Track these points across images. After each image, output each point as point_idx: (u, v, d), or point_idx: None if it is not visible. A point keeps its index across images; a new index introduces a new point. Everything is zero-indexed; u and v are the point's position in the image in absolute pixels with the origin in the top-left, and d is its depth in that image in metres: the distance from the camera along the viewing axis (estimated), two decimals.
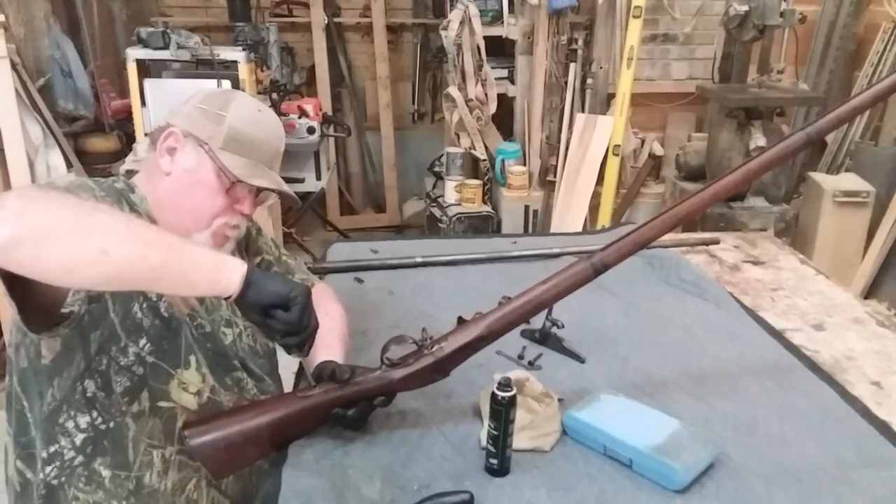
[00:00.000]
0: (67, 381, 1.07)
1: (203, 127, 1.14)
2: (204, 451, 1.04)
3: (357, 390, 1.10)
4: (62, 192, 0.95)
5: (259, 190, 1.19)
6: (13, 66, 2.99)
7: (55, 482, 1.11)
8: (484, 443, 1.10)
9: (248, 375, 1.25)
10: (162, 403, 1.14)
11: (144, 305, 1.10)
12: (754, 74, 3.42)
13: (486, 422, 1.09)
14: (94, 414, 1.09)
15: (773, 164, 1.18)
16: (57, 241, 0.82)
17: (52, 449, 1.10)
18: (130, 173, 1.23)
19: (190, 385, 1.16)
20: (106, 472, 1.11)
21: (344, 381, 1.09)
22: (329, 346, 1.21)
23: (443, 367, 1.12)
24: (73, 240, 0.83)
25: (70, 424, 1.09)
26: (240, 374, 1.24)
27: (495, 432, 1.06)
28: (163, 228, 1.08)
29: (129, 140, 3.55)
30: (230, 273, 0.94)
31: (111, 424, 1.10)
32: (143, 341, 1.10)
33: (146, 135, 3.28)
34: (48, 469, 1.10)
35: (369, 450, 1.12)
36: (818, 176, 3.57)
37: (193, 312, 1.18)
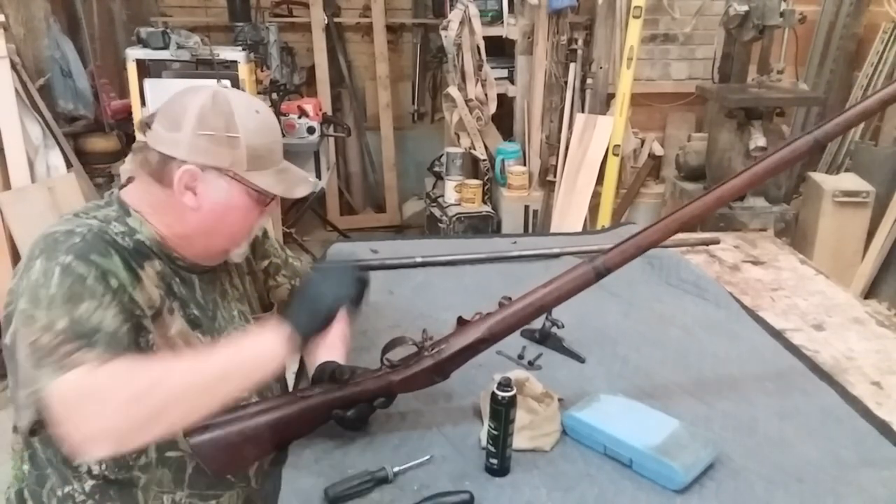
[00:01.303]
0: None
1: (219, 155, 1.09)
2: (204, 450, 1.04)
3: (357, 391, 1.10)
4: (99, 369, 0.96)
5: None
6: (13, 65, 3.00)
7: None
8: (484, 443, 1.10)
9: (257, 394, 1.25)
10: (170, 454, 1.14)
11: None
12: (754, 74, 3.42)
13: (486, 422, 1.09)
14: (103, 465, 1.10)
15: (780, 168, 1.17)
16: (140, 434, 0.99)
17: (66, 489, 1.11)
18: (132, 180, 1.21)
19: None
20: None
21: (344, 382, 1.09)
22: (330, 347, 1.21)
23: (443, 369, 1.12)
24: (150, 428, 0.98)
25: (83, 469, 1.10)
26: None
27: (495, 432, 1.06)
28: (188, 249, 1.15)
29: (129, 140, 3.55)
30: (276, 351, 1.05)
31: (121, 475, 1.11)
32: None
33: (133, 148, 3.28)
34: None
35: (369, 450, 1.12)
36: (818, 176, 3.57)
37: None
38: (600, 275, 1.14)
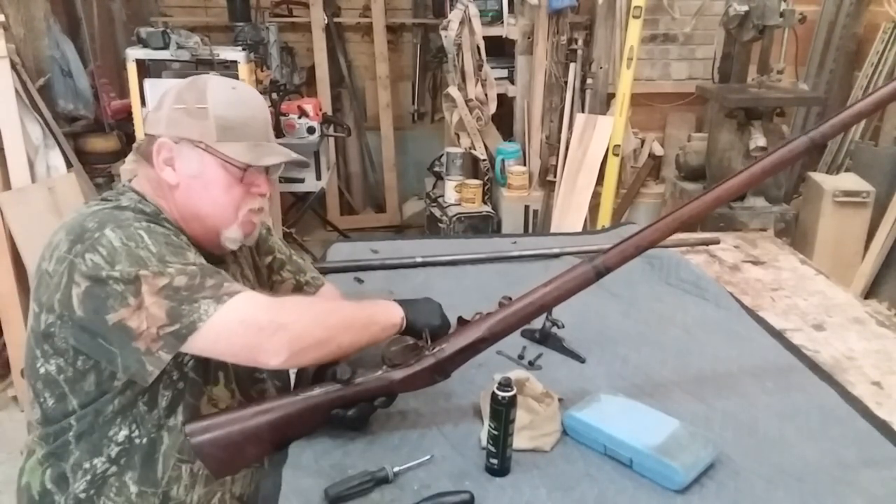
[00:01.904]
0: (130, 397, 1.09)
1: (190, 127, 1.12)
2: (204, 450, 1.04)
3: (358, 391, 1.10)
4: (273, 298, 1.10)
5: (268, 167, 1.19)
6: (13, 65, 2.99)
7: (83, 495, 1.11)
8: (484, 443, 1.10)
9: (271, 384, 1.26)
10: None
11: None
12: (754, 74, 3.42)
13: (487, 422, 1.09)
14: (133, 427, 1.11)
15: (777, 169, 1.18)
16: (314, 352, 1.09)
17: (88, 463, 1.11)
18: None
19: (220, 401, 1.17)
20: (133, 488, 1.12)
21: (345, 381, 1.10)
22: None
23: (443, 369, 1.13)
24: (323, 348, 1.09)
25: (115, 435, 1.11)
26: (263, 384, 1.25)
27: (495, 432, 1.06)
28: (195, 237, 1.17)
29: (129, 140, 3.55)
30: (398, 316, 1.18)
31: (145, 440, 1.12)
32: (187, 356, 1.11)
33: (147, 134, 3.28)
34: (78, 484, 1.11)
35: (369, 450, 1.12)
36: (818, 176, 3.56)
37: None
38: (600, 274, 1.14)
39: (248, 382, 1.23)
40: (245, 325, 1.03)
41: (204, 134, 1.12)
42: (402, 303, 1.21)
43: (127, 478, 1.12)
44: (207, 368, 1.16)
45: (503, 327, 1.13)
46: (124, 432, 1.11)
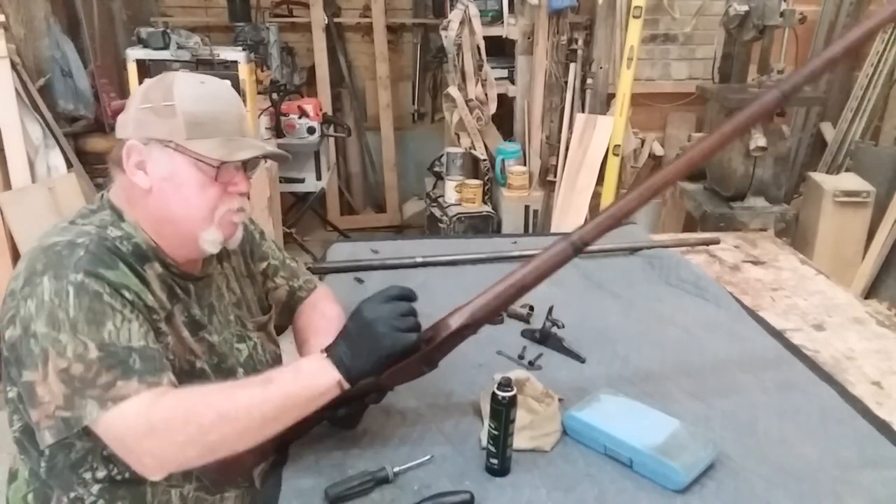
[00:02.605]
0: (94, 440, 1.05)
1: (158, 126, 1.06)
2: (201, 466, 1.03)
3: (347, 390, 1.09)
4: (153, 404, 0.98)
5: (245, 163, 1.13)
6: (13, 66, 2.99)
7: None
8: (484, 443, 1.10)
9: None
10: None
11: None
12: (754, 74, 3.41)
13: (487, 422, 1.09)
14: (111, 466, 1.09)
15: (749, 125, 1.15)
16: (195, 464, 1.02)
17: (71, 495, 1.10)
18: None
19: None
20: None
21: None
22: (320, 345, 1.20)
23: (430, 359, 1.10)
24: (207, 458, 1.00)
25: (88, 475, 1.09)
26: None
27: (495, 432, 1.06)
28: (169, 247, 1.11)
29: None
30: (328, 385, 1.03)
31: (126, 475, 1.09)
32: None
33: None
34: None
35: (369, 450, 1.12)
36: (818, 176, 3.56)
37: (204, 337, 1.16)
38: (577, 249, 1.11)
39: None
40: (117, 441, 0.99)
41: (173, 132, 1.06)
42: (336, 350, 1.05)
43: None
44: None
45: (486, 312, 1.10)
46: (102, 472, 1.09)
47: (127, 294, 1.02)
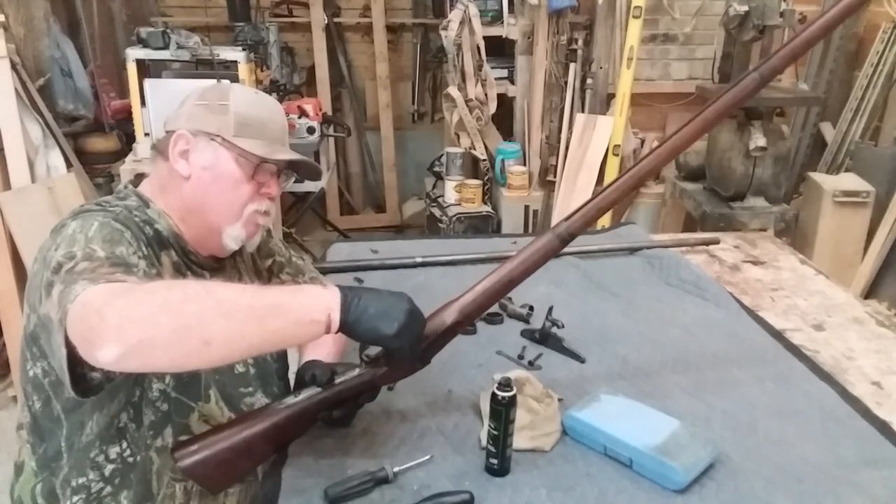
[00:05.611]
0: (107, 416, 1.08)
1: (209, 121, 1.14)
2: (196, 471, 1.02)
3: (340, 391, 1.08)
4: (140, 284, 0.92)
5: (279, 171, 1.21)
6: (13, 65, 2.99)
7: None
8: (484, 443, 1.10)
9: (262, 394, 1.25)
10: (184, 438, 1.13)
11: None
12: None
13: (486, 422, 1.09)
14: (124, 445, 1.10)
15: (730, 109, 1.14)
16: (162, 349, 0.85)
17: (80, 480, 1.10)
18: (140, 177, 1.22)
19: (211, 418, 1.16)
20: None
21: (324, 384, 1.08)
22: (318, 344, 1.21)
23: (422, 356, 1.10)
24: (176, 343, 0.85)
25: (101, 458, 1.10)
26: (252, 398, 1.23)
27: (495, 432, 1.06)
28: (193, 238, 1.15)
29: (128, 140, 3.55)
30: (326, 310, 0.94)
31: (138, 458, 1.11)
32: (167, 377, 1.11)
33: (146, 134, 3.29)
34: (74, 499, 1.10)
35: (369, 450, 1.12)
36: (818, 176, 3.56)
37: None
38: (564, 241, 1.12)
39: (236, 398, 1.21)
40: (84, 308, 0.85)
41: (222, 128, 1.14)
42: (352, 291, 0.98)
43: (122, 497, 1.11)
44: (194, 387, 1.15)
45: (475, 307, 1.10)
46: (115, 449, 1.10)
47: (144, 248, 1.07)
